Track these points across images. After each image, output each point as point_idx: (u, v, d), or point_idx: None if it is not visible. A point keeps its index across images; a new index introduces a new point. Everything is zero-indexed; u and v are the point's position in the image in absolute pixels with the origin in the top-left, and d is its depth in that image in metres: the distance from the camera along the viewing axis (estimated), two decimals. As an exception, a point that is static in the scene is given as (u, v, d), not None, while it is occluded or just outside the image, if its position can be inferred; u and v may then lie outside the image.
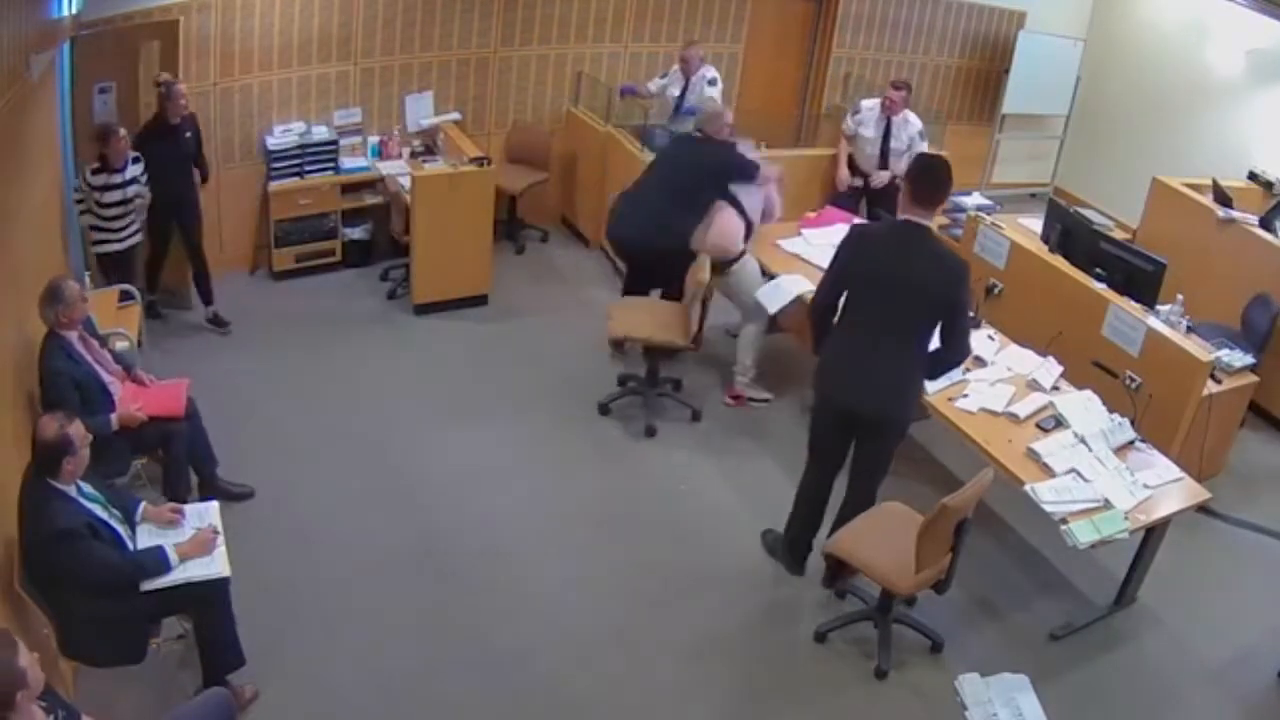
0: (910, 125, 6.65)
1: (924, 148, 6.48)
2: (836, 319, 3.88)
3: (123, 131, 5.04)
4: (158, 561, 3.23)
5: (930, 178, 3.68)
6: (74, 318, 3.86)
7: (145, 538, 3.39)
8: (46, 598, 3.10)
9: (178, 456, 4.13)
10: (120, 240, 5.26)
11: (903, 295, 3.67)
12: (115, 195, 5.12)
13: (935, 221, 6.47)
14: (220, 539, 3.42)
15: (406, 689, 3.62)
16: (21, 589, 3.09)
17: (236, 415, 4.95)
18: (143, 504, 3.54)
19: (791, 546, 4.27)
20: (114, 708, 3.29)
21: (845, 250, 3.85)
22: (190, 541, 3.34)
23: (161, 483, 4.15)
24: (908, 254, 3.66)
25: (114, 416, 3.89)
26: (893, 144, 6.64)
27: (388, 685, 3.62)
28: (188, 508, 3.60)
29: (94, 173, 5.07)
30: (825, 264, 5.36)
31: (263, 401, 5.15)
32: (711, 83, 6.81)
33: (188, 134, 5.40)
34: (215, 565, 3.33)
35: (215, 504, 3.66)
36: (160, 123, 5.29)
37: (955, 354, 3.86)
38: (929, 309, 3.71)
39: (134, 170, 5.16)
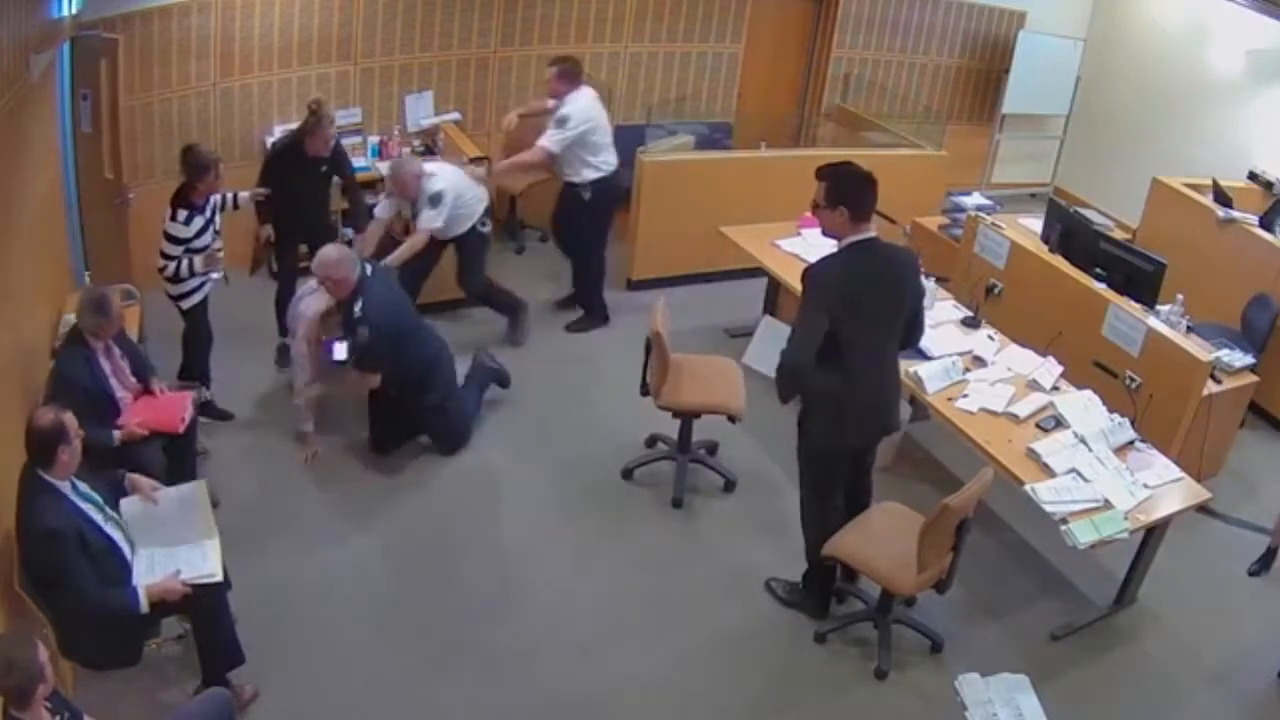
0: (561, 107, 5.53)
1: (575, 124, 5.50)
2: (824, 362, 3.56)
3: (220, 166, 4.53)
4: (127, 601, 3.13)
5: (861, 190, 3.51)
6: (110, 333, 3.82)
7: (133, 522, 3.35)
8: (45, 598, 3.10)
9: (153, 469, 3.86)
10: (203, 288, 4.74)
11: (884, 313, 3.65)
12: (207, 239, 4.60)
13: (935, 223, 6.57)
14: (213, 551, 3.36)
15: (406, 688, 3.62)
16: (21, 589, 3.09)
17: (235, 415, 4.96)
18: (125, 475, 3.48)
19: (825, 588, 4.07)
20: (115, 708, 3.29)
21: (821, 298, 3.52)
22: (159, 585, 3.19)
23: None
24: (874, 272, 3.58)
25: (117, 434, 3.81)
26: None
27: (388, 685, 3.62)
28: (170, 490, 3.51)
29: (186, 220, 4.45)
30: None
31: (262, 402, 5.15)
32: (434, 200, 5.16)
33: (323, 169, 5.04)
34: (207, 566, 3.28)
35: (201, 484, 3.56)
36: (295, 149, 4.92)
37: (918, 338, 3.94)
38: (903, 312, 3.71)
39: (213, 200, 4.67)
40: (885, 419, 3.85)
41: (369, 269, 4.53)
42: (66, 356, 3.76)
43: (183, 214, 4.46)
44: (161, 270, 4.57)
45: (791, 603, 4.14)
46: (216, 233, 4.70)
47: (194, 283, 4.67)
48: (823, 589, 4.07)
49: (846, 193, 3.50)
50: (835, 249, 3.62)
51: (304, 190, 5.06)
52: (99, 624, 3.16)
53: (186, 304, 4.73)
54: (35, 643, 2.44)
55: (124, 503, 3.41)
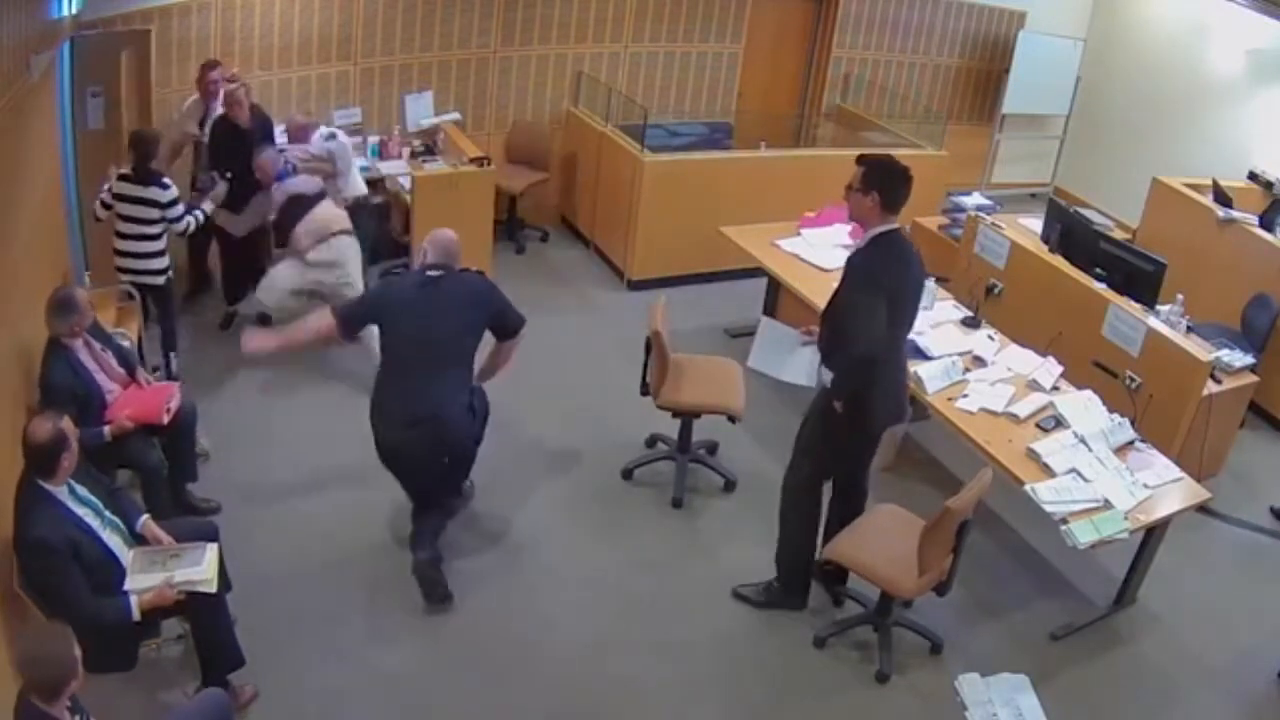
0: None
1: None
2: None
3: (163, 146, 4.69)
4: (119, 612, 3.11)
5: (895, 181, 3.54)
6: (83, 325, 3.80)
7: (136, 562, 3.27)
8: (44, 598, 3.09)
9: (150, 465, 3.94)
10: (165, 271, 4.88)
11: (909, 300, 3.73)
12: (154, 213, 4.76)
13: (935, 223, 6.56)
14: (210, 555, 3.31)
15: (406, 689, 3.62)
16: (21, 590, 3.09)
17: (237, 415, 4.96)
18: (145, 518, 3.42)
19: (803, 578, 4.09)
20: (115, 708, 3.28)
21: (875, 285, 3.55)
22: (152, 593, 3.16)
23: (141, 493, 3.96)
24: (903, 261, 3.65)
25: (107, 430, 3.77)
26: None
27: (387, 685, 3.62)
28: (184, 549, 3.36)
29: (170, 183, 4.71)
30: (824, 265, 5.49)
31: (264, 402, 5.15)
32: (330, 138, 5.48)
33: (260, 142, 5.17)
34: (201, 571, 3.24)
35: (215, 547, 3.38)
36: (224, 121, 5.08)
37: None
38: (919, 301, 3.82)
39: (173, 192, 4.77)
40: (904, 403, 3.94)
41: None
42: (49, 365, 3.71)
43: (165, 180, 4.70)
44: (171, 230, 4.78)
45: (768, 603, 4.11)
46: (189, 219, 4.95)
47: (168, 258, 4.89)
48: (797, 578, 4.07)
49: (881, 179, 3.55)
50: (861, 242, 3.68)
51: (236, 163, 5.14)
52: (93, 630, 3.14)
53: (168, 275, 4.91)
54: (71, 639, 2.44)
55: (134, 552, 3.31)
